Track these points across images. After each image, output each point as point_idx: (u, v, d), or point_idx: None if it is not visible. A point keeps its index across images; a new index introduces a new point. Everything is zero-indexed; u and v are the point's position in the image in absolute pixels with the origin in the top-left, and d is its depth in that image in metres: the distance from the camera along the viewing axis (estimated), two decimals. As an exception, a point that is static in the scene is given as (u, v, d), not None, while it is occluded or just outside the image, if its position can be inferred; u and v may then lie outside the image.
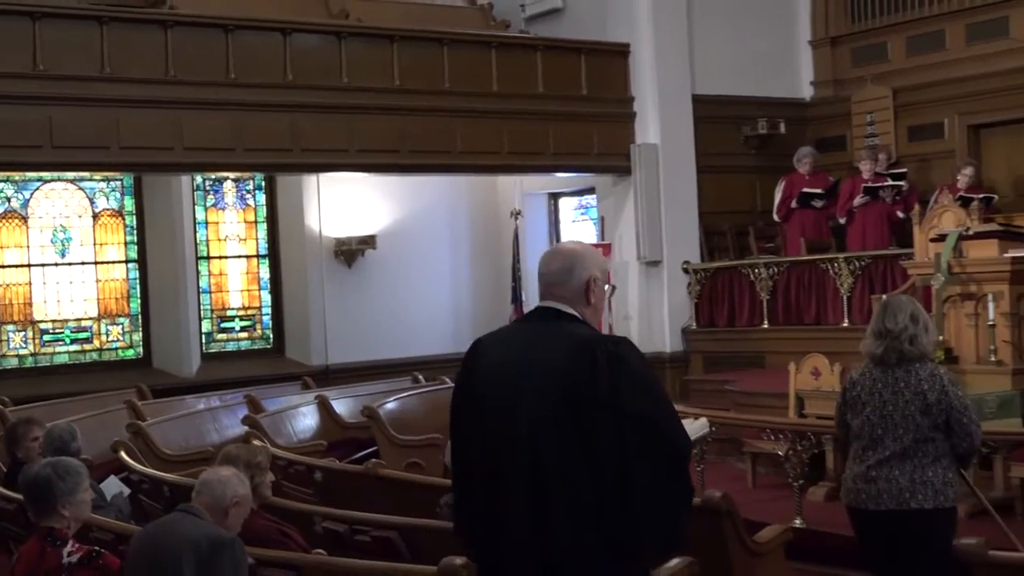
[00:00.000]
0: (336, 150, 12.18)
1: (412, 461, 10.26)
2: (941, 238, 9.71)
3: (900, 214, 12.59)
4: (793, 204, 13.38)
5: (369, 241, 14.31)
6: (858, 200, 12.83)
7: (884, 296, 5.89)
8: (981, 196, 11.64)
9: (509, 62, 13.12)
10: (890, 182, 12.79)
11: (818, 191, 13.25)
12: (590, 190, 15.05)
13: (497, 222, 15.46)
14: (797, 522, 8.09)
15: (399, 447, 10.52)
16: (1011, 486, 8.35)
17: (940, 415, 5.00)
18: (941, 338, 9.12)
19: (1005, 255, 9.20)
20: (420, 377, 13.08)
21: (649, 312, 13.71)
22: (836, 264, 12.35)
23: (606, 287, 3.70)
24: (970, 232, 9.61)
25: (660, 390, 3.53)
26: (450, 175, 14.33)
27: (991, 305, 9.04)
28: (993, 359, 9.03)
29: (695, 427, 4.31)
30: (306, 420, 11.33)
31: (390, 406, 11.32)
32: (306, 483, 7.75)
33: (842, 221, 13.17)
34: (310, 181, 14.07)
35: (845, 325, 12.11)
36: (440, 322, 14.91)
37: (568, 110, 13.41)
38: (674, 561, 4.87)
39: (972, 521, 7.86)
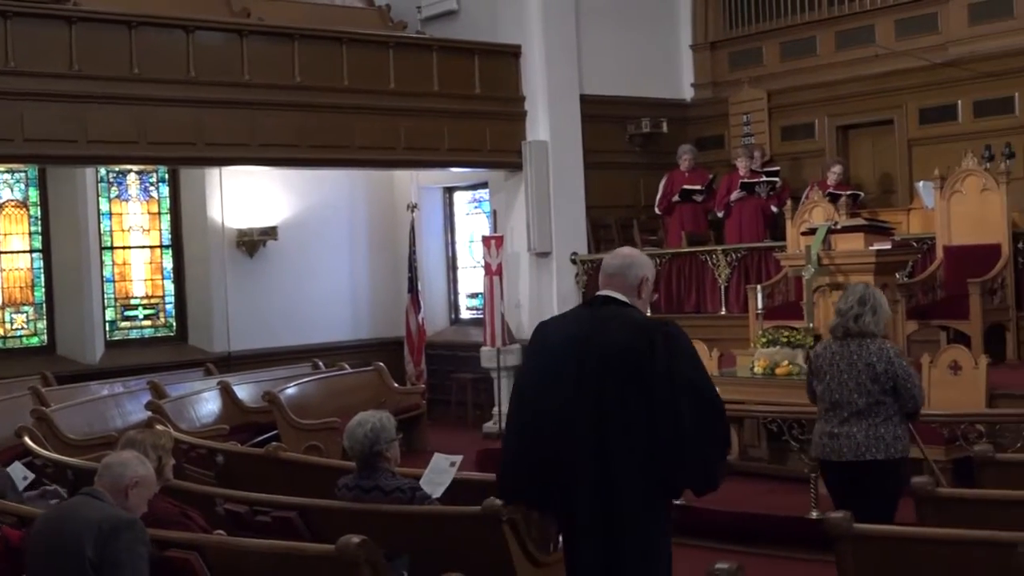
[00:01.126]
0: (238, 144, 12.20)
1: (311, 444, 10.51)
2: (811, 232, 9.94)
3: (774, 209, 13.03)
4: (674, 199, 13.71)
5: (270, 232, 14.37)
6: (735, 195, 13.26)
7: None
8: (848, 193, 12.19)
9: (406, 61, 13.24)
10: (764, 179, 13.23)
11: (697, 187, 13.62)
12: (483, 184, 15.20)
13: (394, 215, 15.62)
14: (678, 499, 8.60)
15: (299, 431, 10.76)
16: None
17: (888, 382, 5.82)
18: (811, 325, 9.42)
19: (870, 248, 9.37)
20: (320, 364, 13.33)
21: (539, 301, 13.91)
22: (714, 256, 12.68)
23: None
24: (838, 226, 9.77)
25: (701, 363, 4.46)
26: (349, 169, 14.40)
27: None
28: None
29: None
30: (208, 405, 11.45)
31: (290, 391, 11.56)
32: (208, 466, 7.71)
33: (720, 215, 13.56)
34: (213, 174, 14.10)
35: (723, 313, 12.50)
36: (339, 311, 15.11)
37: (462, 108, 13.57)
38: (562, 538, 5.35)
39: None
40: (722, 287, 12.62)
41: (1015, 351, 10.24)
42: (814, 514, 7.87)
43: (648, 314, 4.66)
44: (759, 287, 10.74)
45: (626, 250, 4.72)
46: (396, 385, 13.21)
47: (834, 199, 11.72)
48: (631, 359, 4.27)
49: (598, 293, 4.58)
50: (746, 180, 13.27)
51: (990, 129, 12.56)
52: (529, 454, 4.42)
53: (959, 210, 10.59)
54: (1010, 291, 10.26)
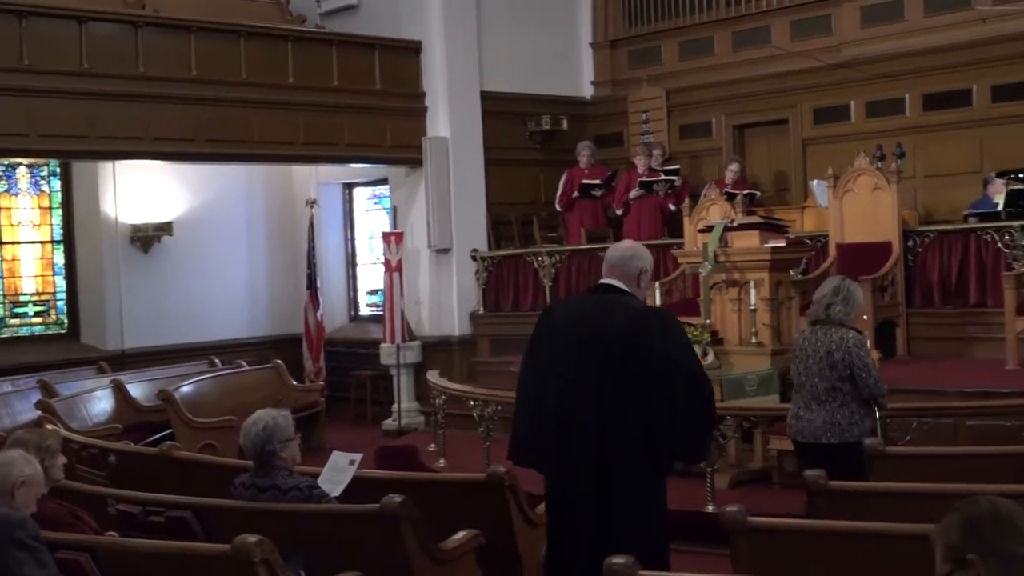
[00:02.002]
0: (132, 138, 11.99)
1: (207, 443, 10.40)
2: (708, 229, 10.03)
3: (672, 207, 13.19)
4: (574, 194, 13.79)
5: (165, 228, 14.14)
6: (633, 193, 13.38)
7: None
8: (745, 192, 12.49)
9: (305, 55, 13.13)
10: (663, 177, 13.36)
11: (596, 182, 13.69)
12: (383, 180, 15.14)
13: (293, 210, 15.50)
14: None
15: (194, 429, 10.64)
16: (769, 457, 8.90)
17: (845, 369, 6.07)
18: (708, 321, 9.55)
19: (765, 245, 9.49)
20: (216, 361, 13.20)
21: (439, 297, 13.92)
22: (614, 253, 12.90)
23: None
24: (734, 224, 9.90)
25: (693, 348, 5.08)
26: (247, 164, 14.24)
27: (753, 291, 9.30)
28: (754, 341, 9.32)
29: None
30: (101, 404, 11.26)
31: (186, 389, 11.41)
32: (101, 466, 7.63)
33: (619, 212, 13.67)
34: (106, 168, 13.83)
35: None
36: (236, 307, 14.93)
37: (362, 103, 13.50)
38: (460, 534, 5.28)
39: (735, 490, 8.58)
40: (621, 284, 12.63)
41: (905, 346, 10.48)
42: (710, 507, 7.96)
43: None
44: (657, 284, 10.83)
45: (627, 243, 5.30)
46: (294, 383, 13.11)
47: (731, 197, 11.87)
48: (630, 342, 4.74)
49: (601, 281, 5.03)
50: (644, 179, 13.38)
51: (882, 129, 12.84)
52: (536, 424, 4.89)
53: (851, 208, 10.80)
54: (900, 288, 10.50)
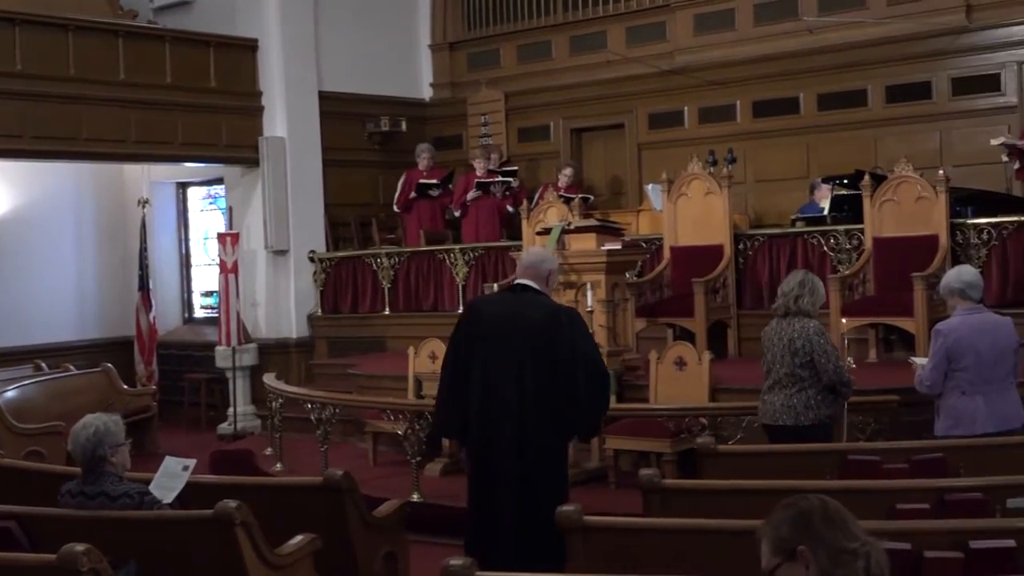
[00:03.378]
0: None
1: (33, 450, 10.06)
2: (546, 231, 10.15)
3: (510, 208, 13.25)
4: (412, 194, 13.75)
5: None
6: (471, 195, 13.41)
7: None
8: (580, 196, 12.64)
9: (137, 51, 12.82)
10: (500, 178, 13.43)
11: (434, 182, 13.70)
12: (218, 180, 14.89)
13: (124, 210, 15.07)
14: (415, 496, 8.52)
15: (19, 436, 10.28)
16: (606, 457, 9.06)
17: (805, 356, 6.43)
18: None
19: (602, 248, 9.60)
20: (43, 365, 12.75)
21: (276, 299, 13.77)
22: (452, 255, 12.77)
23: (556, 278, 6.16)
24: (571, 226, 10.05)
25: (594, 340, 6.07)
26: (75, 162, 13.80)
27: (590, 293, 9.42)
28: None
29: None
30: None
31: (10, 394, 11.05)
32: None
33: (457, 214, 13.69)
34: None
35: (460, 311, 12.68)
36: (64, 310, 14.45)
37: (197, 101, 13.25)
38: (296, 538, 5.24)
39: (572, 489, 8.84)
40: (460, 285, 12.72)
41: (736, 347, 10.74)
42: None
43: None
44: (496, 285, 10.90)
45: (537, 249, 6.57)
46: (125, 387, 12.78)
47: (567, 200, 11.99)
48: (545, 334, 5.65)
49: (516, 281, 5.96)
50: (482, 180, 13.45)
51: (714, 135, 13.17)
52: (459, 401, 5.75)
53: (685, 212, 11.02)
54: (731, 290, 10.75)
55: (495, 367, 5.68)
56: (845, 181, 11.14)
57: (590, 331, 6.05)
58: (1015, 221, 9.69)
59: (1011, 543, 4.18)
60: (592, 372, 5.68)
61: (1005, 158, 10.62)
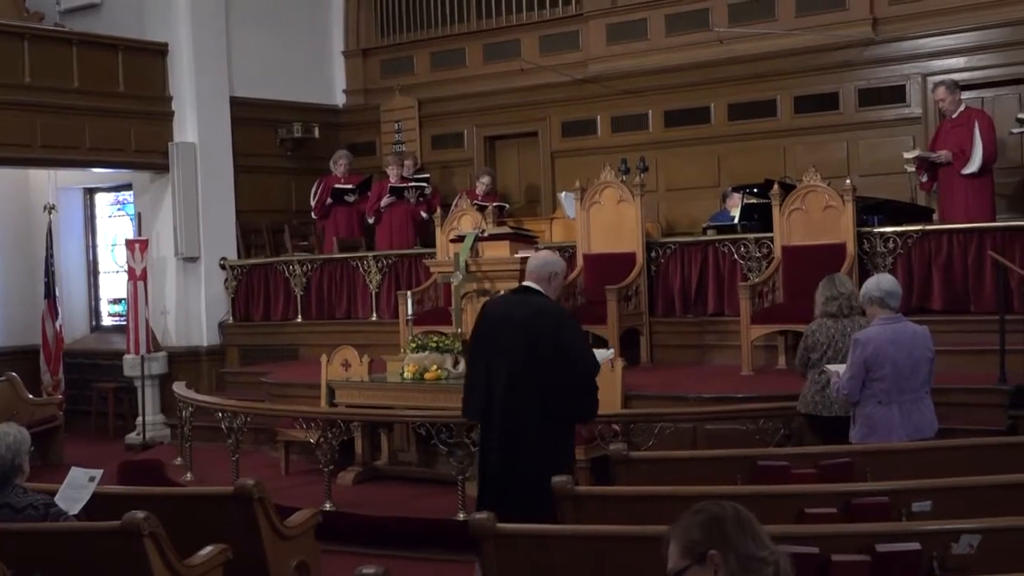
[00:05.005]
0: None
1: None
2: (460, 239, 10.18)
3: (424, 215, 13.29)
4: (328, 200, 13.72)
5: None
6: (384, 201, 13.38)
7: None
8: (496, 204, 12.67)
9: (43, 54, 12.59)
10: (412, 184, 13.41)
11: (350, 187, 13.66)
12: (127, 186, 14.71)
13: (29, 216, 14.81)
14: (327, 506, 8.46)
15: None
16: None
17: None
18: (459, 330, 9.64)
19: (515, 255, 9.66)
20: (-55, 375, 12.58)
21: (187, 307, 13.61)
22: (366, 262, 12.72)
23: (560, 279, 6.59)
24: (485, 234, 10.13)
25: (583, 336, 6.85)
26: (-22, 167, 13.51)
27: None
28: None
29: (604, 353, 7.05)
30: None
31: (-90, 405, 10.90)
32: None
33: (371, 221, 13.66)
34: None
35: (374, 319, 12.58)
36: (-34, 318, 14.14)
37: (105, 106, 13.05)
38: (207, 549, 5.16)
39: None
40: (373, 293, 12.69)
41: (648, 354, 10.83)
42: (461, 515, 8.05)
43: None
44: (409, 293, 10.87)
45: (544, 252, 6.92)
46: (31, 396, 12.53)
47: (481, 208, 12.01)
48: (535, 330, 6.21)
49: (523, 283, 6.57)
50: (395, 185, 13.43)
51: (626, 144, 13.28)
52: (476, 389, 6.44)
53: (598, 220, 11.09)
54: (643, 297, 10.83)
55: (492, 360, 6.33)
56: (755, 190, 11.29)
57: (578, 326, 6.72)
58: (920, 230, 9.92)
59: (916, 546, 4.26)
60: (575, 362, 6.18)
61: (911, 169, 10.83)
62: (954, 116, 10.57)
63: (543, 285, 6.42)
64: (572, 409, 6.29)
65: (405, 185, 13.42)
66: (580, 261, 11.14)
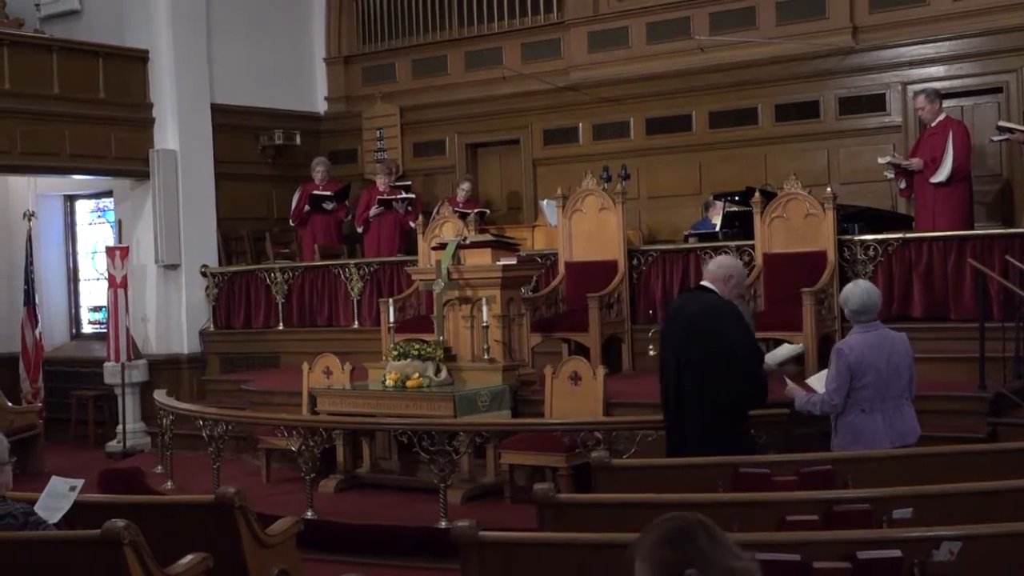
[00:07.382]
0: None
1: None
2: (442, 247, 10.14)
3: (412, 224, 13.22)
4: (306, 207, 13.71)
5: None
6: (373, 210, 13.38)
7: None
8: (476, 211, 12.67)
9: (22, 60, 12.55)
10: (403, 195, 13.43)
11: (327, 194, 13.67)
12: (108, 193, 14.67)
13: (9, 223, 14.78)
14: (309, 514, 8.40)
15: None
16: (500, 472, 9.08)
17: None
18: (441, 338, 9.66)
19: (497, 263, 9.64)
20: (-79, 383, 12.53)
21: (167, 314, 13.57)
22: (347, 269, 12.69)
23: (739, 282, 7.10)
24: (467, 242, 10.09)
25: (748, 331, 7.06)
26: (-43, 174, 13.47)
27: (485, 308, 9.44)
28: (487, 357, 9.46)
29: (789, 348, 7.75)
30: None
31: None
32: None
33: (360, 230, 13.67)
34: None
35: (355, 327, 12.54)
36: (-55, 325, 14.07)
37: (85, 113, 13.02)
38: (187, 557, 5.12)
39: (468, 505, 8.71)
40: (355, 300, 12.66)
41: (630, 362, 10.83)
42: (443, 523, 8.01)
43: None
44: (391, 300, 10.85)
45: (723, 257, 7.64)
46: (10, 404, 12.49)
47: (463, 216, 12.01)
48: (700, 325, 6.78)
49: (700, 283, 7.13)
50: (384, 196, 13.41)
51: (608, 151, 13.29)
52: (662, 377, 7.02)
53: (580, 228, 11.09)
54: (625, 305, 10.84)
55: (666, 350, 7.00)
56: (736, 198, 11.31)
57: (748, 325, 7.17)
58: (900, 238, 9.95)
59: (897, 553, 4.27)
60: (739, 357, 6.70)
61: (890, 176, 10.89)
62: (932, 125, 10.64)
63: (718, 285, 6.89)
64: (733, 398, 6.73)
65: (394, 197, 13.42)
66: (562, 269, 11.14)
